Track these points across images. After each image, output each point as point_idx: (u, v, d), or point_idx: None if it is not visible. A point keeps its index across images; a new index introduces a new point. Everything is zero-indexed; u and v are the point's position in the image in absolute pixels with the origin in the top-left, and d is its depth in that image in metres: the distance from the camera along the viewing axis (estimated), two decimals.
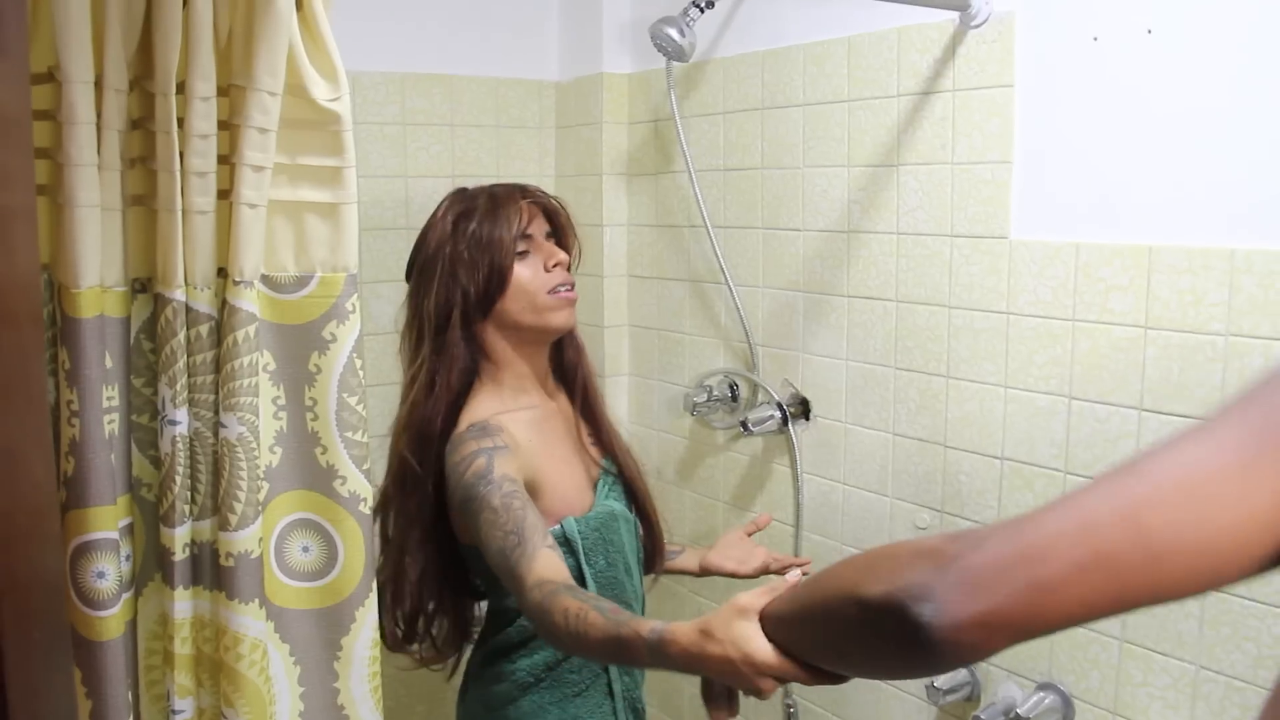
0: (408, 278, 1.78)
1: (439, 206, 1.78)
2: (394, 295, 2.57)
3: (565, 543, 1.64)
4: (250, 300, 1.19)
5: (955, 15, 1.85)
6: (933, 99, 1.91)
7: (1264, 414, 0.72)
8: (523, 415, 1.69)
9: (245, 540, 1.22)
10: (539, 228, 1.77)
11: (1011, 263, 1.82)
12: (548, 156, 2.78)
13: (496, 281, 1.65)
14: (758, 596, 1.07)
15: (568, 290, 1.74)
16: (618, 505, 1.79)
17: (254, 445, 1.21)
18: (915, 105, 1.94)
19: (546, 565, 1.32)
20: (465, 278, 1.67)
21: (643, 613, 1.79)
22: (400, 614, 1.68)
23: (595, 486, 1.79)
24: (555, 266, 1.72)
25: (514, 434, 1.61)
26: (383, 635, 1.50)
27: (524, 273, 1.69)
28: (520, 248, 1.70)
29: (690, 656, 1.09)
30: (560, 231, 1.82)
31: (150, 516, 1.26)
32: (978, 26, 1.83)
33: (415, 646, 1.75)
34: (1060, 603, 0.72)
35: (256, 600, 1.24)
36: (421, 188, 2.61)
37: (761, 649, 1.01)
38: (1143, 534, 0.70)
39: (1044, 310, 1.78)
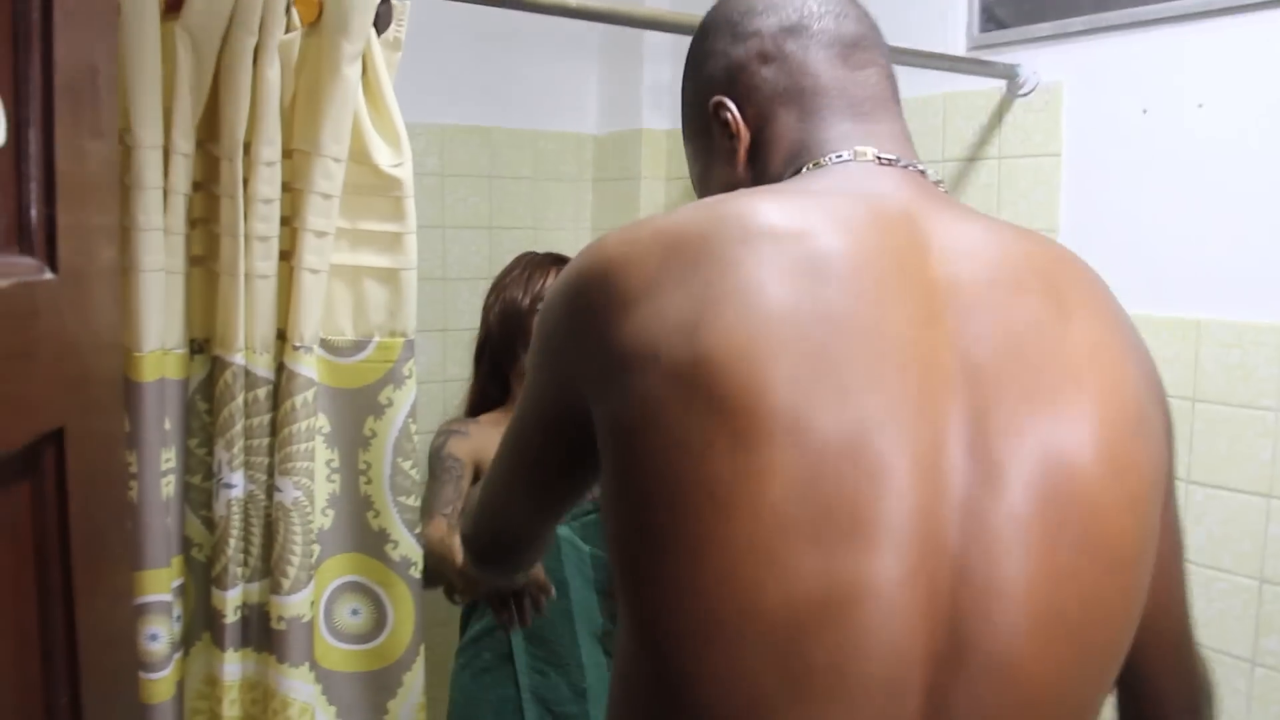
0: None
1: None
2: (429, 346, 2.58)
3: None
4: (309, 365, 1.20)
5: (1003, 84, 1.86)
6: (979, 165, 1.92)
7: None
8: (495, 419, 1.98)
9: (298, 604, 1.21)
10: None
11: None
12: (584, 210, 2.79)
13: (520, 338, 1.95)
14: None
15: None
16: (564, 530, 1.89)
17: (309, 510, 1.21)
18: (961, 171, 1.94)
19: (434, 526, 1.66)
20: (497, 331, 2.04)
21: (593, 638, 1.89)
22: None
23: None
24: None
25: (483, 430, 1.93)
26: None
27: None
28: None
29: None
30: None
31: (201, 577, 1.25)
32: (1025, 95, 1.84)
33: None
34: None
35: (307, 664, 1.23)
36: (459, 239, 2.62)
37: None
38: None
39: None
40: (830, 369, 0.75)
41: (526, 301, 1.99)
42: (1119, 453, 0.80)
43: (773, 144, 0.97)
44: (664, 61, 2.61)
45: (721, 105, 0.97)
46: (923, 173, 0.97)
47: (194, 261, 1.21)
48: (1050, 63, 1.80)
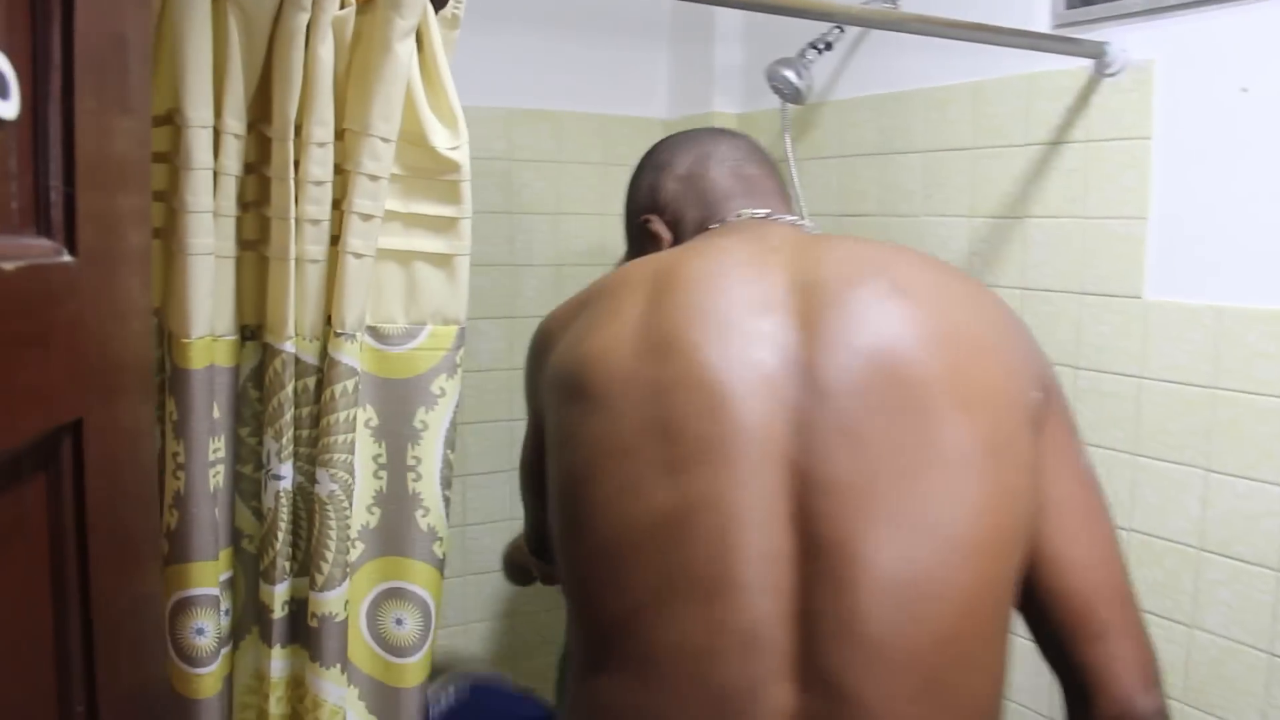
0: None
1: None
2: (495, 333, 2.55)
3: None
4: (351, 353, 1.16)
5: (1090, 63, 1.76)
6: (1063, 150, 1.82)
7: None
8: None
9: (331, 602, 1.17)
10: None
11: (1145, 324, 1.72)
12: None
13: None
14: None
15: None
16: None
17: (345, 504, 1.17)
18: (1043, 156, 1.85)
19: None
20: None
21: None
22: None
23: None
24: None
25: None
26: None
27: None
28: None
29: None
30: None
31: (251, 570, 1.22)
32: (1113, 75, 1.74)
33: None
34: None
35: (338, 665, 1.19)
36: (525, 224, 2.59)
37: None
38: None
39: (1180, 375, 1.67)
40: (667, 340, 0.95)
41: None
42: (952, 364, 0.95)
43: (684, 232, 1.25)
44: (735, 42, 2.54)
45: (648, 220, 1.29)
46: (800, 225, 1.21)
47: (245, 245, 1.19)
48: (1141, 39, 1.70)
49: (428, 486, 1.25)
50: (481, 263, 2.52)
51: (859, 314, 0.96)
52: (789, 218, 1.20)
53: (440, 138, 1.21)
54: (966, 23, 1.61)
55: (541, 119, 2.57)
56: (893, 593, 0.88)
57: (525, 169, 2.57)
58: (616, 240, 2.67)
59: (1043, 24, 1.83)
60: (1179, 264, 1.68)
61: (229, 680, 1.23)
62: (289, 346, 1.15)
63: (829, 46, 2.09)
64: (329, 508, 1.17)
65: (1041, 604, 1.00)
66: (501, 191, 2.55)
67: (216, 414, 1.15)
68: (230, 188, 1.12)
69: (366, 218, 1.14)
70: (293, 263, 1.13)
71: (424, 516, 1.26)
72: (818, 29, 2.10)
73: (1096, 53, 1.74)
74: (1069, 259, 1.82)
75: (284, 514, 1.17)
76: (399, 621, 1.27)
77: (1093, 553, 1.02)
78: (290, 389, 1.16)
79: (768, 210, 1.20)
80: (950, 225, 2.03)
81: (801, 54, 2.11)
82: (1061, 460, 1.04)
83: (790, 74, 2.09)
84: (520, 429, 2.64)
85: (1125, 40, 1.72)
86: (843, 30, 2.07)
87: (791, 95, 2.12)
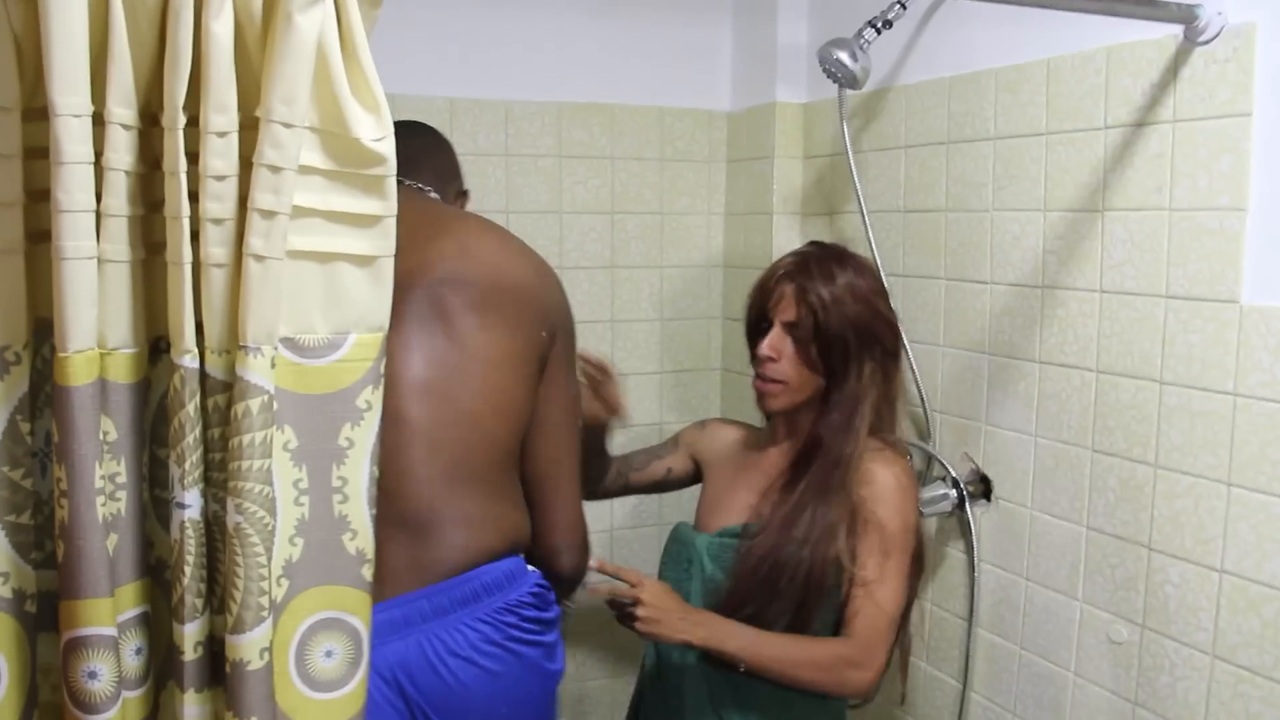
0: None
1: None
2: None
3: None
4: (259, 370, 1.02)
5: (1179, 29, 1.52)
6: (1148, 132, 1.59)
7: None
8: (742, 432, 1.97)
9: (243, 647, 1.04)
10: (781, 311, 1.76)
11: (1243, 333, 1.47)
12: (717, 193, 2.56)
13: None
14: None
15: (762, 381, 1.77)
16: (703, 540, 1.81)
17: (253, 538, 1.03)
18: (1126, 139, 1.62)
19: None
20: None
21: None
22: None
23: (720, 524, 1.84)
24: (760, 356, 1.77)
25: (716, 432, 2.00)
26: None
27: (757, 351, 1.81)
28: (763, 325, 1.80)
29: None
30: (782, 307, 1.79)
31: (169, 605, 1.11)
32: (1207, 43, 1.50)
33: None
34: None
35: (255, 718, 1.06)
36: (577, 224, 2.44)
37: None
38: None
39: None
40: None
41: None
42: (496, 305, 1.43)
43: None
44: (799, 21, 2.35)
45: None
46: (421, 189, 1.61)
47: (154, 249, 1.07)
48: (1239, 0, 1.46)
49: (355, 508, 1.11)
50: None
51: (439, 261, 1.43)
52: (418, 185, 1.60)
53: (364, 127, 1.06)
54: None
55: (594, 113, 2.42)
56: (430, 420, 1.38)
57: (577, 165, 2.43)
58: (675, 241, 2.52)
59: None
60: None
61: None
62: (188, 361, 1.02)
63: (889, 25, 1.88)
64: (235, 542, 1.04)
65: (521, 474, 1.49)
66: (550, 190, 2.41)
67: (114, 435, 1.04)
68: (120, 184, 0.99)
69: (269, 215, 1.00)
70: (188, 267, 1.00)
71: (352, 540, 1.12)
72: (883, 5, 1.90)
73: (1187, 17, 1.50)
74: (1154, 258, 1.58)
75: (190, 546, 1.05)
76: (328, 654, 1.14)
77: (554, 451, 1.52)
78: (191, 408, 1.03)
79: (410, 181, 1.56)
80: (1023, 220, 1.81)
81: (859, 34, 1.90)
82: (552, 386, 1.50)
83: (844, 56, 1.89)
84: None
85: (1221, 1, 1.48)
86: (905, 6, 1.86)
87: (847, 79, 1.91)
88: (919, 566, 1.77)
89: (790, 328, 1.73)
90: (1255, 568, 1.46)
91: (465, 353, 1.40)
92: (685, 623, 1.62)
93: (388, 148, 1.08)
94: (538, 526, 1.51)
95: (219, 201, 1.01)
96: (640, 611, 1.61)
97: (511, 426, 1.45)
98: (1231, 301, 1.49)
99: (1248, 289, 1.47)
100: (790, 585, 1.65)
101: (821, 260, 1.75)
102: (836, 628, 1.69)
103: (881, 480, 1.69)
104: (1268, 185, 1.45)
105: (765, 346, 1.74)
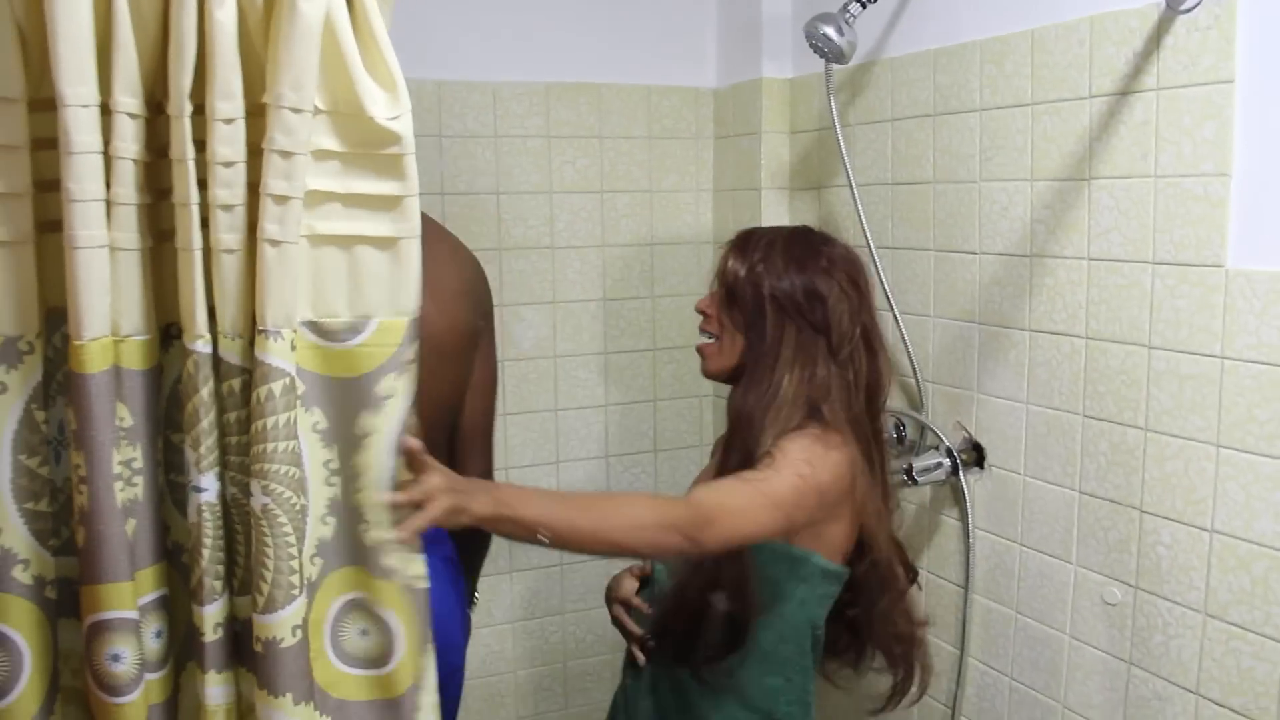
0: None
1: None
2: (536, 318, 2.44)
3: None
4: (279, 353, 1.03)
5: None
6: (1132, 100, 1.61)
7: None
8: None
9: (275, 626, 1.06)
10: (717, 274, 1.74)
11: (1228, 296, 1.50)
12: (704, 169, 2.58)
13: None
14: None
15: (700, 338, 1.74)
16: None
17: (281, 519, 1.05)
18: (1111, 108, 1.64)
19: None
20: None
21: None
22: None
23: None
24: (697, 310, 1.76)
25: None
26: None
27: None
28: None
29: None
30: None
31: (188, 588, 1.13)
32: (1189, 10, 1.52)
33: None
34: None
35: (290, 695, 1.08)
36: (567, 204, 2.45)
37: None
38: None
39: (1270, 355, 1.45)
40: None
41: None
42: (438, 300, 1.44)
43: None
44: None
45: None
46: None
47: (162, 237, 1.08)
48: None
49: (370, 499, 1.13)
50: (519, 245, 2.41)
51: None
52: None
53: (379, 107, 1.07)
54: None
55: (581, 92, 2.43)
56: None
57: (565, 145, 2.44)
58: (664, 218, 2.53)
59: None
60: (1267, 227, 1.45)
61: (167, 707, 1.13)
62: (201, 346, 1.04)
63: None
64: (264, 523, 1.06)
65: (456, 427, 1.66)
66: (540, 170, 2.42)
67: (130, 421, 1.05)
68: (128, 173, 1.00)
69: (282, 200, 1.02)
70: (198, 253, 1.02)
71: (366, 531, 1.14)
72: None
73: None
74: (1140, 224, 1.61)
75: (209, 529, 1.07)
76: (364, 633, 1.15)
77: (482, 411, 1.71)
78: (205, 392, 1.05)
79: None
80: (1010, 190, 1.83)
81: (844, 8, 1.92)
82: (484, 359, 1.67)
83: (830, 30, 1.91)
84: (565, 418, 2.51)
85: None
86: None
87: (834, 54, 1.93)
88: (911, 573, 1.74)
89: (719, 286, 1.70)
90: (1245, 526, 1.50)
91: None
92: (462, 496, 1.22)
93: (404, 125, 1.09)
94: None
95: (228, 188, 1.03)
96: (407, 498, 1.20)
97: (448, 390, 1.60)
98: (1217, 266, 1.51)
99: (1233, 253, 1.50)
100: (715, 573, 1.58)
101: (768, 234, 1.71)
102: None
103: (791, 441, 1.55)
104: (1251, 151, 1.47)
105: (699, 302, 1.74)
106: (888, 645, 1.71)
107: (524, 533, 1.27)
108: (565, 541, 1.32)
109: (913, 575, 1.76)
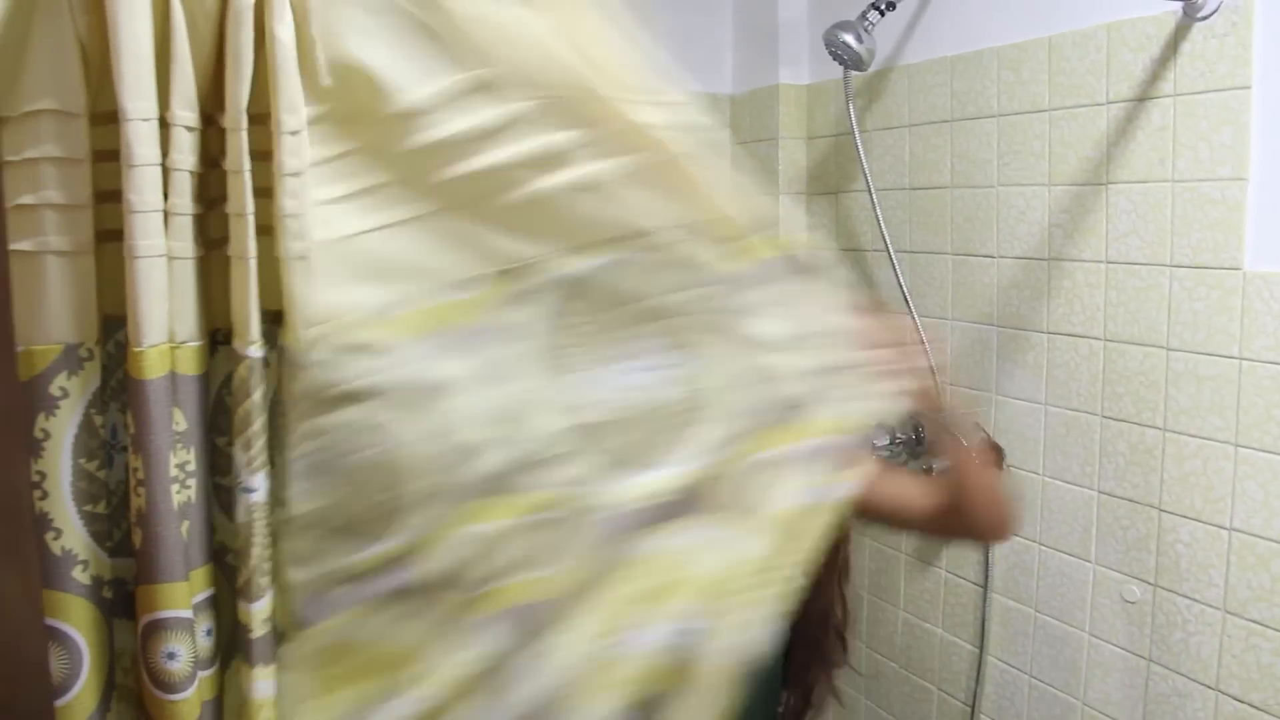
0: None
1: None
2: None
3: None
4: None
5: (1178, 5, 1.57)
6: (1149, 106, 1.64)
7: None
8: None
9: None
10: None
11: (1246, 299, 1.53)
12: None
13: None
14: None
15: None
16: None
17: None
18: (1128, 114, 1.67)
19: None
20: None
21: None
22: None
23: None
24: None
25: None
26: None
27: None
28: None
29: None
30: None
31: (233, 587, 1.16)
32: (1206, 18, 1.55)
33: None
34: None
35: None
36: None
37: None
38: None
39: None
40: None
41: None
42: None
43: None
44: (799, 3, 2.39)
45: None
46: None
47: (212, 245, 1.11)
48: None
49: None
50: None
51: None
52: None
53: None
54: None
55: None
56: None
57: None
58: None
59: None
60: None
61: (216, 704, 1.16)
62: (254, 351, 1.07)
63: (892, 6, 1.93)
64: None
65: None
66: None
67: (184, 425, 1.08)
68: (185, 184, 1.04)
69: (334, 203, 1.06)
70: (252, 260, 1.05)
71: None
72: None
73: None
74: (1158, 228, 1.64)
75: (259, 528, 1.10)
76: None
77: None
78: (258, 395, 1.08)
79: None
80: (1028, 195, 1.86)
81: (863, 16, 1.95)
82: None
83: (850, 38, 1.94)
84: None
85: None
86: None
87: (853, 61, 1.96)
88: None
89: None
90: (1264, 525, 1.52)
91: None
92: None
93: None
94: None
95: (294, 198, 1.05)
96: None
97: None
98: (1234, 269, 1.54)
99: (1250, 256, 1.53)
100: None
101: None
102: None
103: None
104: (1267, 155, 1.50)
105: None
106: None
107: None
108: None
109: None
